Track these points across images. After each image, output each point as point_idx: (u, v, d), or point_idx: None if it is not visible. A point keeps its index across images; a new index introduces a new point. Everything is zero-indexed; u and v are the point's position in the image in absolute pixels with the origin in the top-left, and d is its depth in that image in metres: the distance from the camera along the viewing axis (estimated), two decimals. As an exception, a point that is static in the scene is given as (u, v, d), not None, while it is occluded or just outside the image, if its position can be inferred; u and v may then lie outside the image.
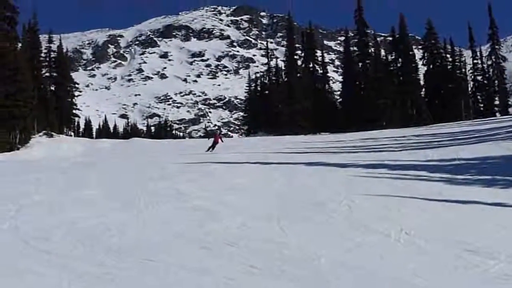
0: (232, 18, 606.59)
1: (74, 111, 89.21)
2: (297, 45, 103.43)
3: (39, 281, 9.64)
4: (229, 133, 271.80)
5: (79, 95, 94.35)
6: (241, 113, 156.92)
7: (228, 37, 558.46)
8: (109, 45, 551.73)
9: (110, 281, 9.63)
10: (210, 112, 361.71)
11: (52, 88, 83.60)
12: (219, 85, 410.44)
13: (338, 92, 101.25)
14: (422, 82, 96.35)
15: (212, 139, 40.98)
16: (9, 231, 14.39)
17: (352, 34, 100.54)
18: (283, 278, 9.73)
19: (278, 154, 34.36)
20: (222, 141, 41.34)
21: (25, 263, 10.68)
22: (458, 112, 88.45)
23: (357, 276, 9.85)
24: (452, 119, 75.99)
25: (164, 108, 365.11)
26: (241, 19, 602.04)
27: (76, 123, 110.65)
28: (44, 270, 10.18)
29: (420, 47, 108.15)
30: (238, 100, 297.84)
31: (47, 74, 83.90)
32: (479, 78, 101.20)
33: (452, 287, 9.00)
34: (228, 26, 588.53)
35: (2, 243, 13.31)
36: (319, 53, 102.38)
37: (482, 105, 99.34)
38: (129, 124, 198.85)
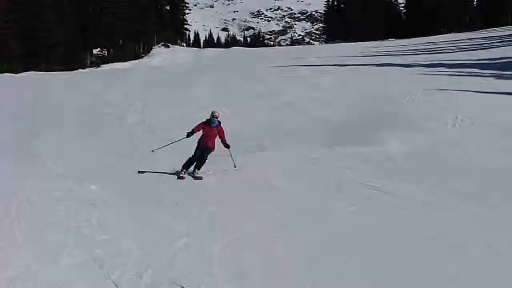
0: None
1: (185, 26, 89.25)
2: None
3: (163, 164, 9.88)
4: (311, 41, 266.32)
5: (189, 13, 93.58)
6: (321, 24, 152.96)
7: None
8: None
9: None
10: (295, 24, 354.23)
11: (167, 7, 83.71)
12: (302, 1, 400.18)
13: (403, 4, 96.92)
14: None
15: None
16: (139, 123, 14.86)
17: None
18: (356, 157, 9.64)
19: (353, 57, 33.35)
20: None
21: (151, 150, 10.74)
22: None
23: (421, 157, 9.68)
24: (503, 24, 71.46)
25: (258, 22, 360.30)
26: None
27: (187, 36, 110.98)
28: (167, 155, 10.32)
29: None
30: (318, 13, 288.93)
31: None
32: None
33: (506, 163, 8.71)
34: None
35: (134, 131, 13.81)
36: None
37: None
38: (229, 36, 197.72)
